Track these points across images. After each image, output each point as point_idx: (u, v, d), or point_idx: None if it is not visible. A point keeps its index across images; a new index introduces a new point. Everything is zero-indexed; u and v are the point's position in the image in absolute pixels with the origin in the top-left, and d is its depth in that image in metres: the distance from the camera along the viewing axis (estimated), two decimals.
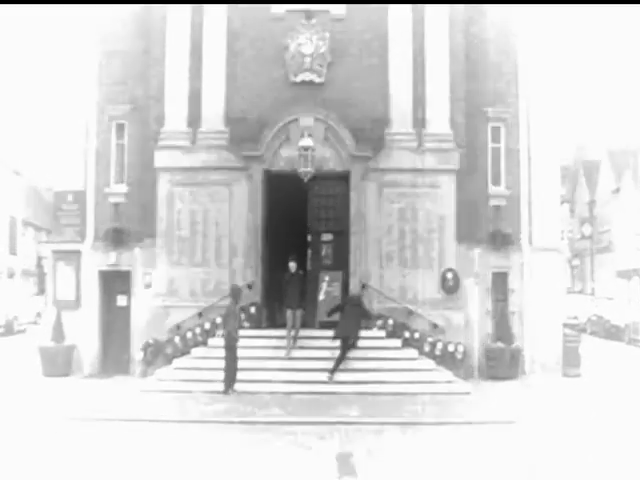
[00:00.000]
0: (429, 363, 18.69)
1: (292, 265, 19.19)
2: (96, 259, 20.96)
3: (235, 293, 18.23)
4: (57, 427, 13.76)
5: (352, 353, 18.28)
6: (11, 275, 52.41)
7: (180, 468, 11.01)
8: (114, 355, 20.82)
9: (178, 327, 19.58)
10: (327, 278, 20.25)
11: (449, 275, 20.32)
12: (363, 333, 18.93)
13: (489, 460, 11.60)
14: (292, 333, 18.77)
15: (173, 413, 14.95)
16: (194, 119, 20.80)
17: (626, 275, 47.71)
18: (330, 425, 13.88)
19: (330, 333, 18.52)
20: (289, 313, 18.88)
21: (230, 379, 17.11)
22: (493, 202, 21.39)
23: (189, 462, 11.33)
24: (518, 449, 12.35)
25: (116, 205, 21.24)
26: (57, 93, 21.95)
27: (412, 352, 18.86)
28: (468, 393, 17.34)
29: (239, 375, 17.23)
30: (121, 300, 21.05)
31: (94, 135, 21.41)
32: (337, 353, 18.09)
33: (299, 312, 18.91)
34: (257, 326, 19.43)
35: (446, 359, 19.19)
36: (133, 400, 16.50)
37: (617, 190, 50.11)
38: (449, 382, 17.97)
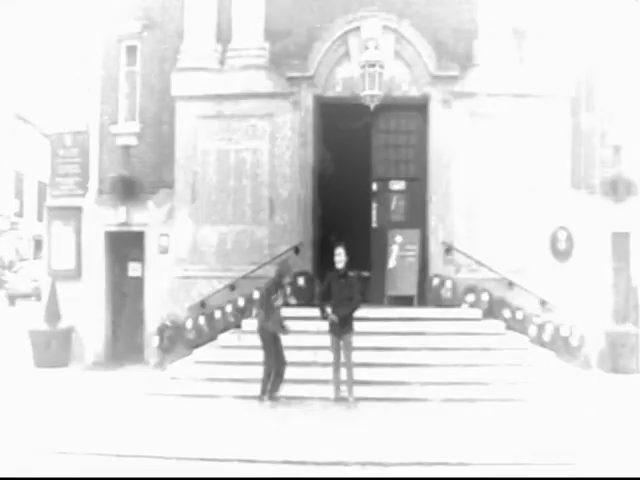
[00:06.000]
0: (547, 354, 13.96)
1: (339, 258, 12.50)
2: (101, 217, 17.24)
3: (282, 270, 12.91)
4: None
5: (433, 341, 13.62)
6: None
7: None
8: (124, 339, 17.09)
9: (203, 304, 15.60)
10: (399, 239, 15.99)
11: (561, 235, 15.90)
12: (449, 313, 14.61)
13: None
14: (343, 376, 12.32)
15: (185, 438, 9.96)
16: (224, 32, 16.95)
17: None
18: (416, 466, 8.81)
19: (403, 312, 14.43)
20: (332, 341, 12.42)
21: (266, 382, 12.34)
22: (610, 141, 16.61)
23: None
24: None
25: (126, 148, 17.50)
26: (56, 15, 18.00)
27: (522, 339, 14.13)
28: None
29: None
30: (133, 269, 17.31)
31: (99, 62, 17.62)
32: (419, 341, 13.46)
33: (348, 338, 12.28)
34: (307, 303, 14.70)
35: (557, 346, 14.76)
36: (134, 414, 11.62)
37: None
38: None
